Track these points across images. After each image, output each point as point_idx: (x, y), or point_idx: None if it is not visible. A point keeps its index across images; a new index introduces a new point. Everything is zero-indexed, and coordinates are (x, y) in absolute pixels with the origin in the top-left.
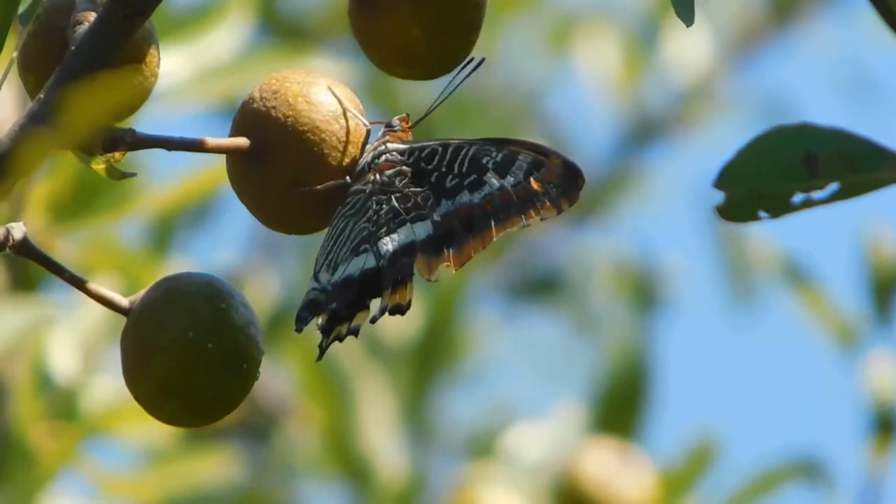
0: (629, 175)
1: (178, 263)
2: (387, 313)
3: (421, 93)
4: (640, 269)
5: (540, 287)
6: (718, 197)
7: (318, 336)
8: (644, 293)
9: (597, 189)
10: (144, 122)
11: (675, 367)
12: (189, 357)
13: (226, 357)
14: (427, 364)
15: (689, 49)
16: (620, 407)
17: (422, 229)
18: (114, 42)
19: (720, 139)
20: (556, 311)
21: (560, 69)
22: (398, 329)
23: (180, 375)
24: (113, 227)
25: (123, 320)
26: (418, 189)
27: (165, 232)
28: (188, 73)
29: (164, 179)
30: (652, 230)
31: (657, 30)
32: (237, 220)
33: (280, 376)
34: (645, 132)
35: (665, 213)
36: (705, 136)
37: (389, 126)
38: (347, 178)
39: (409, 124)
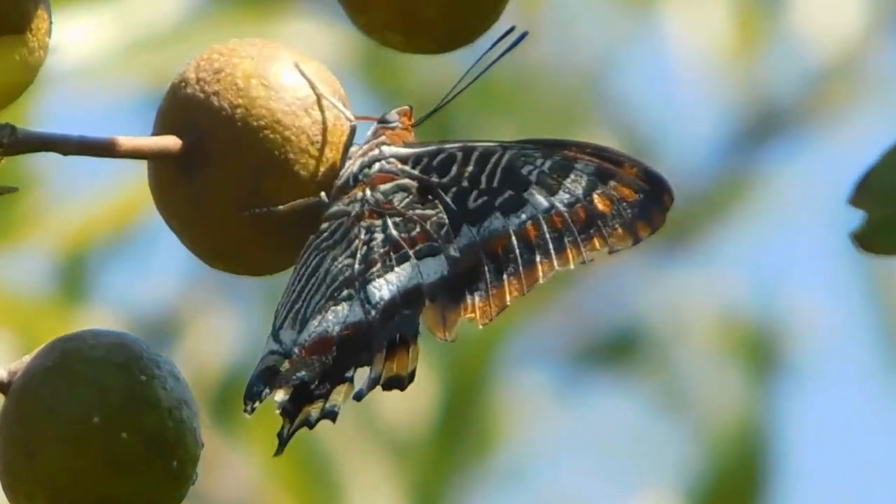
0: (740, 187)
1: (94, 312)
2: (380, 388)
3: (436, 71)
4: (754, 320)
5: (612, 347)
6: (857, 218)
7: (254, 413)
8: (760, 353)
9: (693, 207)
10: (40, 113)
11: (805, 454)
12: (94, 452)
13: (147, 451)
14: (446, 454)
15: (826, 11)
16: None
17: (432, 268)
18: None
19: (868, 135)
20: (634, 380)
21: (639, 37)
22: (406, 406)
23: (80, 478)
24: (4, 266)
25: (0, 398)
26: (428, 211)
27: (75, 269)
28: (108, 44)
29: (75, 197)
30: (772, 264)
31: None
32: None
33: (239, 465)
34: (764, 126)
35: (791, 241)
36: (848, 131)
37: (384, 122)
38: (322, 194)
39: (413, 120)
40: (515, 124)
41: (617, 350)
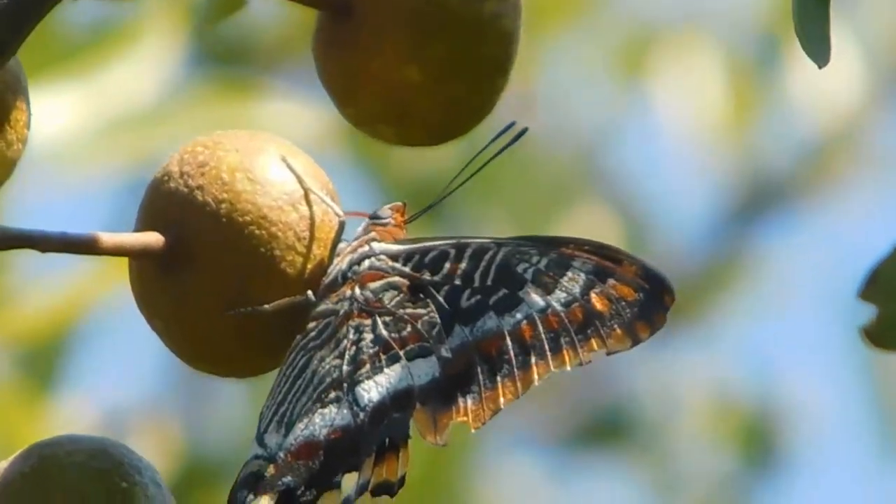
0: (736, 265)
1: (61, 405)
2: (368, 494)
3: (424, 153)
4: (749, 405)
5: (604, 431)
6: (866, 312)
7: None
8: (755, 440)
9: (688, 286)
10: (7, 207)
11: None
12: None
13: None
14: None
15: (823, 79)
16: None
17: (423, 369)
18: None
19: (870, 212)
20: (627, 463)
21: (633, 109)
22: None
23: None
24: None
25: None
26: (419, 311)
27: (41, 360)
28: (84, 124)
29: (40, 285)
30: (768, 346)
31: (776, 49)
32: (139, 339)
33: None
34: (760, 200)
35: (788, 322)
36: (847, 206)
37: (376, 218)
38: (309, 293)
39: (406, 217)
40: (508, 200)
41: (609, 433)
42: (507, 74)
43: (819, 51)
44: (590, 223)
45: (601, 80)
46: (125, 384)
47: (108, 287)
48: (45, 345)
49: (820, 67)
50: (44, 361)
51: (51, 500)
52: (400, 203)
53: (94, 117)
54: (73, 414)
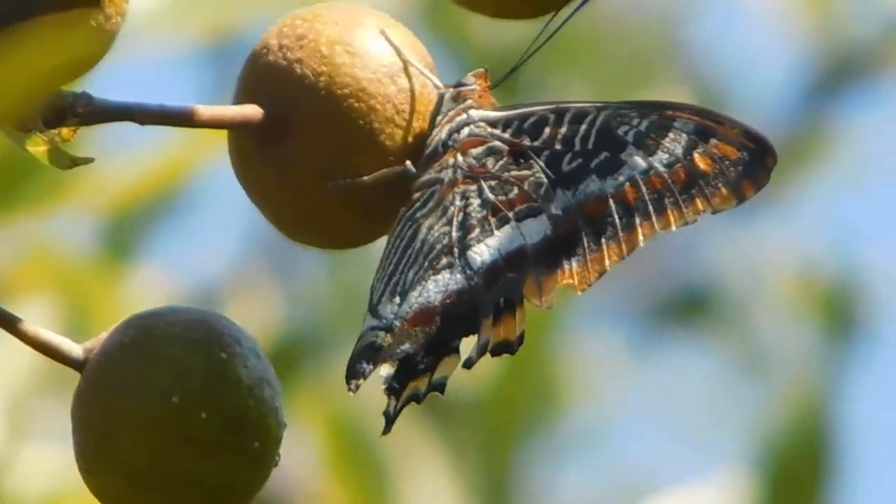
0: (818, 138)
1: (144, 277)
2: (489, 354)
3: (501, 33)
4: (833, 279)
5: (686, 306)
6: None
7: (358, 390)
8: (839, 314)
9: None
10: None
11: (880, 423)
12: (173, 433)
13: (228, 432)
14: (510, 421)
15: None
16: (800, 477)
17: (534, 228)
18: None
19: None
20: (709, 340)
21: None
22: (464, 372)
23: (159, 460)
24: (48, 228)
25: (74, 375)
26: (524, 172)
27: (124, 233)
28: None
29: (121, 157)
30: (853, 220)
31: None
32: (227, 213)
33: (293, 446)
34: (842, 73)
35: (872, 195)
36: None
37: (461, 86)
38: (408, 163)
39: (489, 82)
40: (587, 78)
41: (691, 309)
42: None
43: None
44: (670, 97)
45: None
46: (214, 258)
47: (193, 161)
48: (133, 216)
49: None
50: (132, 233)
51: (150, 371)
52: (482, 69)
53: None
54: (159, 286)
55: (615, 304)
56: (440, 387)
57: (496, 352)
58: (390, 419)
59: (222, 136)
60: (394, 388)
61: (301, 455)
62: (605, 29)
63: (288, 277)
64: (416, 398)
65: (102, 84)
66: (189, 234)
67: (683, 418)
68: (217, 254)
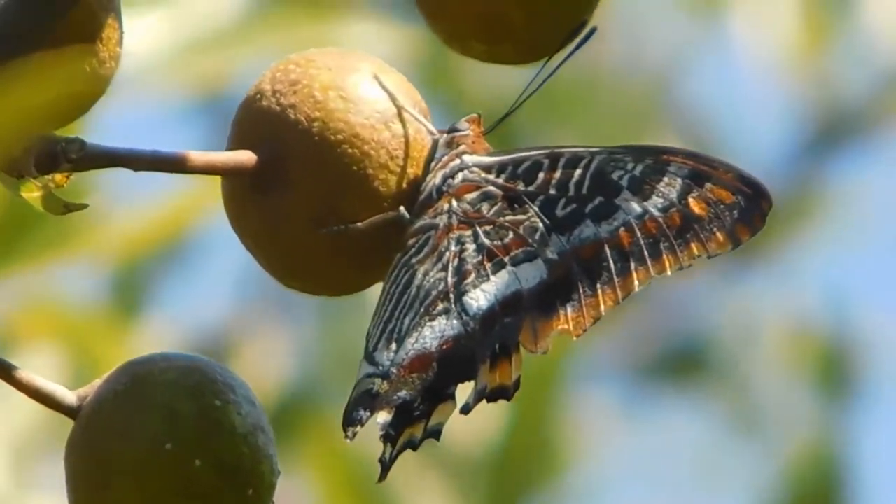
0: (811, 195)
1: (149, 327)
2: (484, 400)
3: (500, 76)
4: (827, 335)
5: (680, 363)
6: None
7: (360, 439)
8: (833, 370)
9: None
10: (96, 124)
11: (880, 476)
12: (166, 480)
13: (222, 479)
14: (511, 477)
15: None
16: None
17: (530, 273)
18: (57, 8)
19: None
20: (703, 397)
21: (707, 38)
22: (468, 428)
23: None
24: (53, 278)
25: (69, 423)
26: (520, 217)
27: (128, 283)
28: (161, 48)
29: (125, 207)
30: (847, 277)
31: None
32: (229, 262)
33: (294, 493)
34: (835, 130)
35: (867, 252)
36: None
37: (454, 131)
38: (402, 209)
39: (482, 128)
40: (582, 129)
41: (686, 366)
42: None
43: None
44: None
45: (675, 8)
46: (218, 308)
47: (198, 211)
48: (137, 266)
49: None
50: (136, 283)
51: (144, 418)
52: (475, 115)
53: (174, 38)
54: (164, 336)
55: (611, 362)
56: (436, 433)
57: (493, 398)
58: (386, 466)
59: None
60: (390, 434)
61: (306, 496)
62: (599, 81)
63: (291, 326)
64: (412, 445)
65: (96, 133)
66: (193, 283)
67: (678, 475)
68: (221, 304)
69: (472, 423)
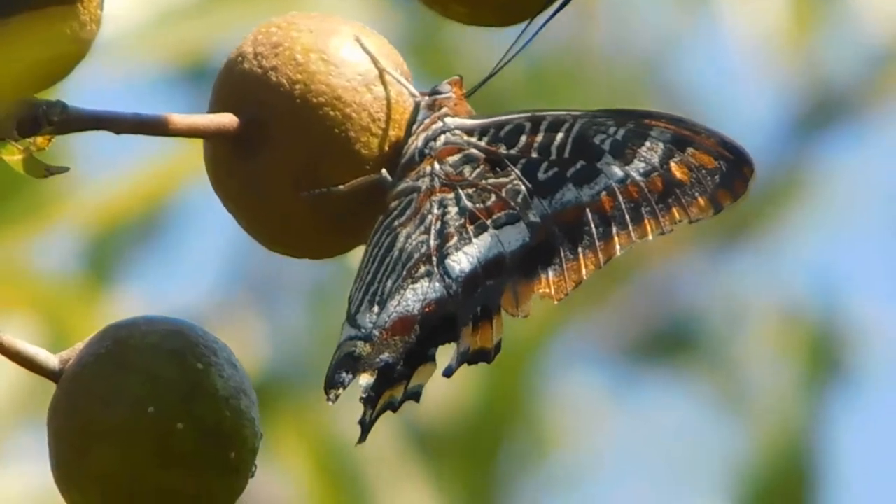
0: (799, 176)
1: (124, 299)
2: (466, 363)
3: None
4: (814, 319)
5: (667, 343)
6: None
7: (338, 406)
8: (820, 354)
9: (752, 198)
10: (77, 90)
11: (860, 462)
12: (148, 444)
13: (204, 443)
14: (489, 457)
15: None
16: None
17: (513, 236)
18: None
19: None
20: (689, 378)
21: (696, 22)
22: (445, 405)
23: (135, 471)
24: (29, 247)
25: (51, 386)
26: (502, 179)
27: (104, 254)
28: (139, 15)
29: (103, 175)
30: (834, 260)
31: None
32: (210, 238)
33: (272, 473)
34: (824, 112)
35: (854, 234)
36: None
37: (435, 93)
38: (384, 171)
39: (464, 90)
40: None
41: (673, 348)
42: None
43: None
44: None
45: None
46: (196, 281)
47: (176, 180)
48: (114, 237)
49: None
50: (113, 253)
51: (125, 382)
52: (457, 77)
53: (146, 9)
54: (134, 306)
55: (598, 343)
56: (416, 395)
57: (473, 360)
58: (366, 428)
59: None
60: (370, 396)
61: (280, 482)
62: (588, 62)
63: (270, 306)
64: (392, 406)
65: (76, 100)
66: (171, 254)
67: (664, 456)
68: (199, 277)
69: (453, 403)
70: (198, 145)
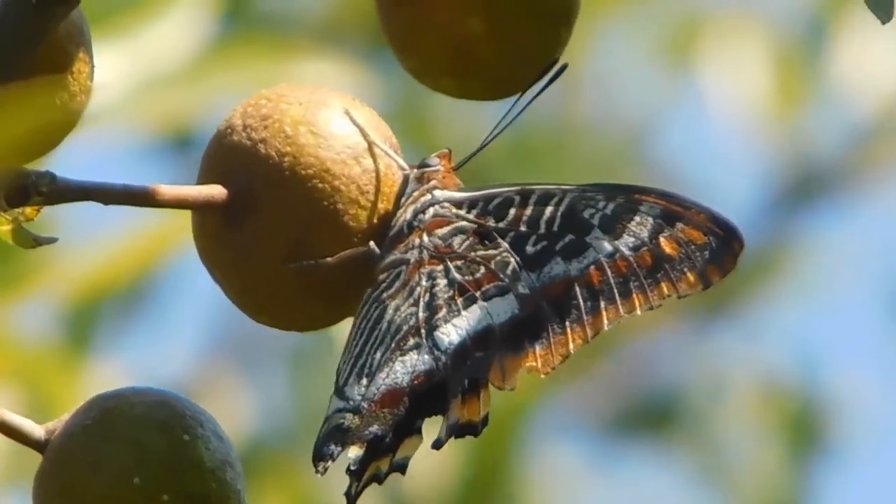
0: (782, 250)
1: (107, 368)
2: (453, 436)
3: (467, 120)
4: (796, 392)
5: (649, 416)
6: None
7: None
8: (802, 427)
9: (734, 272)
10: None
11: None
12: None
13: None
14: None
15: (873, 62)
16: None
17: (502, 308)
18: (24, 41)
19: None
20: (672, 450)
21: (679, 92)
22: (429, 475)
23: None
24: (12, 315)
25: (37, 457)
26: (491, 252)
27: (88, 322)
28: (125, 83)
29: (88, 243)
30: (816, 334)
31: (824, 34)
32: (194, 307)
33: None
34: (807, 188)
35: (836, 308)
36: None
37: (424, 166)
38: (372, 244)
39: (452, 163)
40: (555, 180)
41: (654, 420)
42: (571, 27)
43: (882, 5)
44: None
45: (648, 65)
46: (179, 351)
47: (166, 248)
48: (96, 305)
49: (883, 23)
50: (95, 322)
51: (112, 451)
52: (445, 150)
53: (133, 77)
54: (114, 374)
55: (579, 415)
56: (402, 467)
57: (460, 433)
58: (351, 500)
59: (190, 223)
60: (358, 470)
61: None
62: (573, 132)
63: (255, 374)
64: (378, 479)
65: (64, 168)
66: (155, 323)
67: None
68: (183, 346)
69: (435, 474)
70: (184, 214)
